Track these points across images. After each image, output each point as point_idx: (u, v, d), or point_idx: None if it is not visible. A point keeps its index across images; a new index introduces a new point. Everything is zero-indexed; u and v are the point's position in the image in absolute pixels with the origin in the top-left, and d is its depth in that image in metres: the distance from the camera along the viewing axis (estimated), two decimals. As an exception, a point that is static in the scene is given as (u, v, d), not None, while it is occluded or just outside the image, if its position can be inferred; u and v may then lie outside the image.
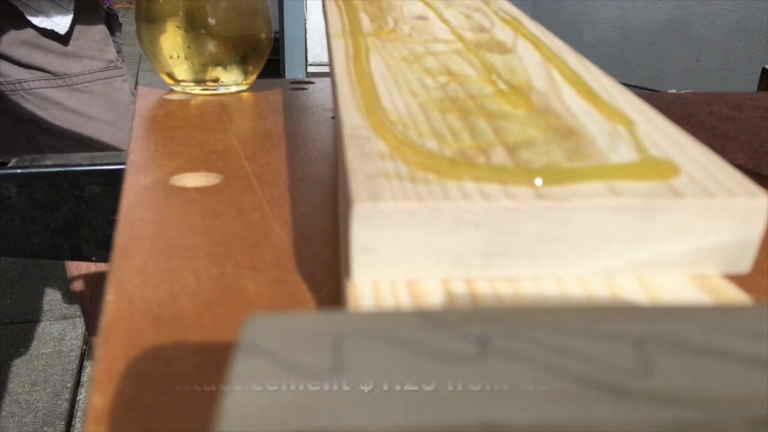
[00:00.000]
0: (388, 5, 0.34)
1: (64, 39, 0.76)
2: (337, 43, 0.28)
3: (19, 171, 0.42)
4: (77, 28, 0.77)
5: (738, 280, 0.17)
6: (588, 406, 0.09)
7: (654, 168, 0.17)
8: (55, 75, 0.76)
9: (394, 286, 0.16)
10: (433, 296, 0.16)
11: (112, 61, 0.81)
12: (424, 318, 0.11)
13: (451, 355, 0.10)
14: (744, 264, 0.16)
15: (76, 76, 0.77)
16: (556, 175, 0.16)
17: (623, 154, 0.18)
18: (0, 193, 0.41)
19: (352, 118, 0.20)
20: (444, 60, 0.25)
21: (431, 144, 0.18)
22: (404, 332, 0.11)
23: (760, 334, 0.11)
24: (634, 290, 0.16)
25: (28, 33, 0.73)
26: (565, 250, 0.16)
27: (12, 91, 0.75)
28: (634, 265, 0.16)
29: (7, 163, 0.42)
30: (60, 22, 0.74)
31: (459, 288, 0.16)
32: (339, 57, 0.26)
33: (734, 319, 0.11)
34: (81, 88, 0.78)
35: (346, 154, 0.17)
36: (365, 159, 0.17)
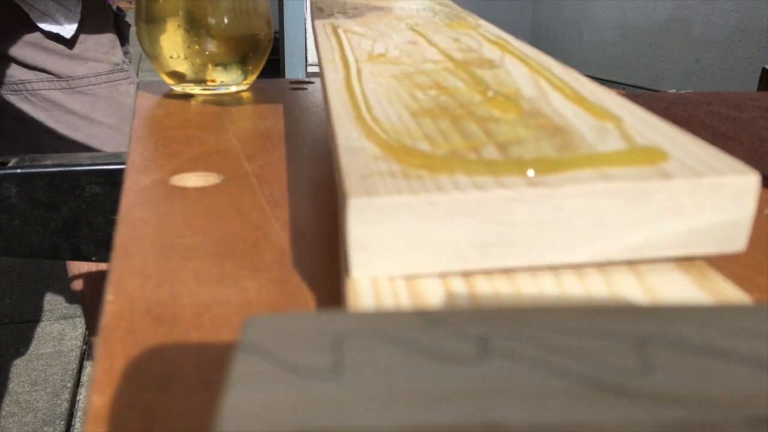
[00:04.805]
0: (380, 34, 0.35)
1: (69, 42, 0.75)
2: (330, 66, 0.28)
3: (19, 171, 0.42)
4: (84, 30, 0.76)
5: (738, 280, 0.17)
6: (588, 406, 0.09)
7: (643, 154, 0.17)
8: (59, 77, 0.75)
9: (394, 284, 0.16)
10: (432, 295, 0.16)
11: (117, 64, 0.80)
12: (424, 318, 0.11)
13: (451, 355, 0.10)
14: (739, 243, 0.17)
15: (80, 78, 0.76)
16: (547, 166, 0.17)
17: (612, 144, 0.18)
18: (0, 193, 0.41)
19: (344, 128, 0.20)
20: (434, 76, 0.26)
21: (423, 146, 0.18)
22: (404, 332, 0.11)
23: (760, 334, 0.11)
24: (633, 289, 0.16)
25: (33, 34, 0.73)
26: (560, 236, 0.16)
27: (15, 91, 0.75)
28: (630, 248, 0.16)
29: (7, 163, 0.42)
30: (66, 26, 0.74)
31: (459, 287, 0.16)
32: (331, 77, 0.26)
33: (734, 319, 0.11)
34: (84, 90, 0.77)
35: (340, 160, 0.18)
36: (358, 161, 0.17)
